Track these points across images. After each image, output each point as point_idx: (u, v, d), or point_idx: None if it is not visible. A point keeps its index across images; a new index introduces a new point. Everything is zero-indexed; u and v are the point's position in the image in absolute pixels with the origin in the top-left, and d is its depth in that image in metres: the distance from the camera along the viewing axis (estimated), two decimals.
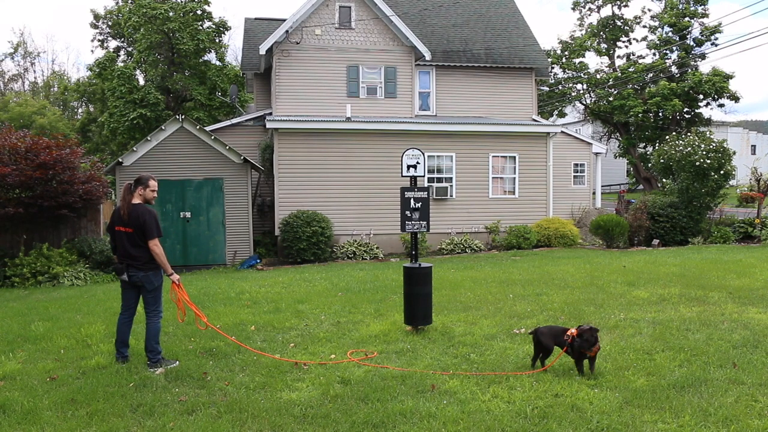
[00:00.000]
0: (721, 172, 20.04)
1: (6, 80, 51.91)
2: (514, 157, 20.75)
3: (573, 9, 44.92)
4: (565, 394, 5.64)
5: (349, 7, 21.55)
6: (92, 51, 63.90)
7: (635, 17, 43.21)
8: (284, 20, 21.51)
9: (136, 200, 6.99)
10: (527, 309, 9.37)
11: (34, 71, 54.74)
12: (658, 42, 41.25)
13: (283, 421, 5.24)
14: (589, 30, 43.19)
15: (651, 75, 40.36)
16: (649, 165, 35.66)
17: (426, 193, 8.38)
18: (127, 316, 7.19)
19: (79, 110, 48.19)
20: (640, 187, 42.67)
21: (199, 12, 33.42)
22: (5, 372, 6.89)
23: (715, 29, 39.74)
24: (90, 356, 7.33)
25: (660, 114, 39.55)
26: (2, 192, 15.26)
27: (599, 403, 5.39)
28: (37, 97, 47.71)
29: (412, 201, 8.27)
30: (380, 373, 6.40)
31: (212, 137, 18.72)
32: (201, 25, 33.59)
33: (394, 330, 8.21)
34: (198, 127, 18.94)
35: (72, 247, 16.10)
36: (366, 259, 18.59)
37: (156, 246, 6.82)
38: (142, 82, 34.60)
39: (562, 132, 24.73)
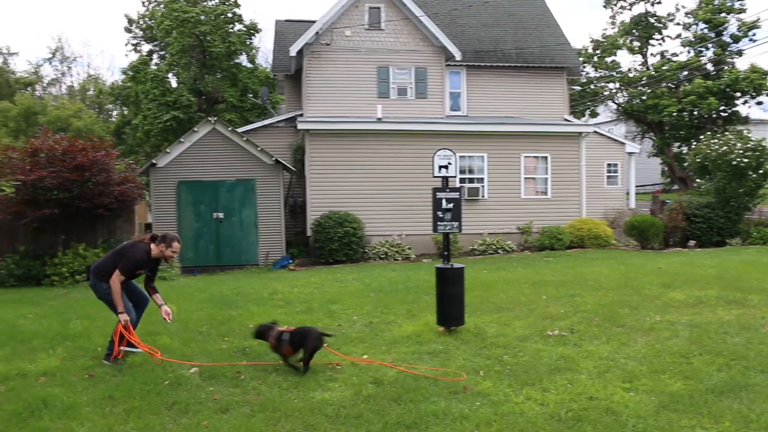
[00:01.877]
0: (760, 171, 19.66)
1: (45, 85, 52.82)
2: (546, 158, 20.58)
3: (605, 7, 44.37)
4: (600, 397, 5.56)
5: (379, 8, 21.57)
6: (126, 55, 65.13)
7: (669, 14, 42.53)
8: (314, 22, 21.59)
9: (154, 252, 7.24)
10: (561, 310, 9.29)
11: (71, 75, 55.77)
12: (692, 39, 40.61)
13: (315, 420, 5.25)
14: (621, 28, 42.63)
15: (686, 73, 39.73)
16: (685, 164, 35.17)
17: (458, 193, 8.34)
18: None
19: (114, 113, 48.85)
20: (675, 187, 42.04)
21: (229, 15, 33.73)
22: (46, 368, 7.03)
23: (753, 25, 38.97)
24: (126, 354, 7.42)
25: (695, 113, 38.88)
26: (41, 194, 15.53)
27: (635, 406, 5.30)
28: (74, 101, 48.43)
29: (444, 201, 8.23)
30: (413, 374, 6.39)
31: (244, 138, 18.87)
32: (232, 28, 33.88)
33: (427, 331, 8.19)
34: (230, 128, 19.11)
35: (108, 247, 16.30)
36: (398, 259, 18.58)
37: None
38: (174, 84, 34.96)
39: (595, 132, 24.47)
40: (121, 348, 7.08)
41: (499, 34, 25.29)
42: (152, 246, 7.22)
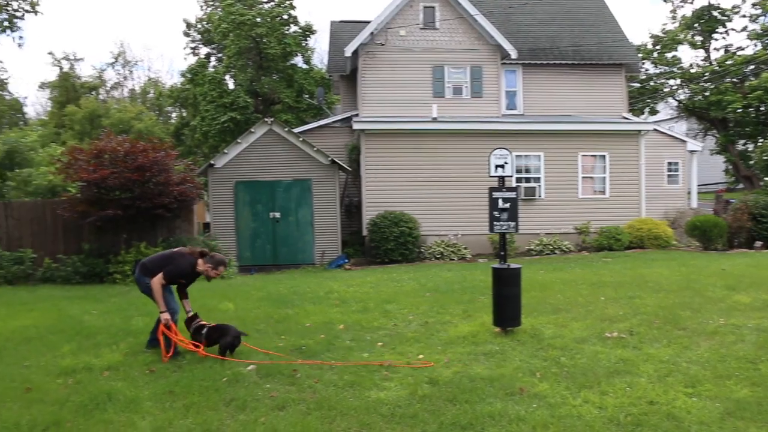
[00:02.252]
0: None
1: (108, 88, 54.26)
2: (604, 156, 20.23)
3: (665, 1, 43.40)
4: (661, 401, 5.43)
5: (433, 8, 21.52)
6: (185, 58, 66.29)
7: (733, 7, 41.25)
8: (369, 22, 21.65)
9: (199, 267, 7.61)
10: (619, 312, 9.11)
11: (132, 79, 57.03)
12: (760, 32, 39.31)
13: (371, 419, 5.27)
14: (682, 22, 41.54)
15: (752, 67, 38.51)
16: (751, 162, 34.08)
17: (514, 193, 8.26)
18: None
19: (173, 115, 49.84)
20: (740, 186, 40.77)
21: (285, 17, 34.07)
22: (110, 363, 7.24)
23: None
24: (185, 351, 7.59)
25: (762, 108, 37.69)
26: (104, 194, 15.98)
27: (698, 413, 5.15)
28: (135, 104, 49.62)
29: (500, 201, 8.16)
30: (468, 375, 6.36)
31: (300, 139, 19.05)
32: (287, 30, 34.22)
33: (483, 331, 8.13)
34: (286, 129, 19.33)
35: (167, 246, 16.66)
36: (453, 259, 18.51)
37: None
38: (231, 86, 35.50)
39: (655, 129, 23.91)
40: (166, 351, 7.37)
41: (556, 31, 24.95)
42: (199, 261, 7.61)
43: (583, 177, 20.22)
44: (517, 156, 19.44)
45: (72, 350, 7.95)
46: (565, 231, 19.86)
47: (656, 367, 6.32)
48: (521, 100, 23.67)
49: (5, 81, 46.88)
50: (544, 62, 23.62)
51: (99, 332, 8.90)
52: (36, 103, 61.60)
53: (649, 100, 41.60)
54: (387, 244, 18.20)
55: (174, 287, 7.88)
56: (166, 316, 7.35)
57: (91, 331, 9.06)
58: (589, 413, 5.22)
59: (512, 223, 8.20)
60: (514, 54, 21.71)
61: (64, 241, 17.31)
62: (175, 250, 7.96)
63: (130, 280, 15.51)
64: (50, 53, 70.22)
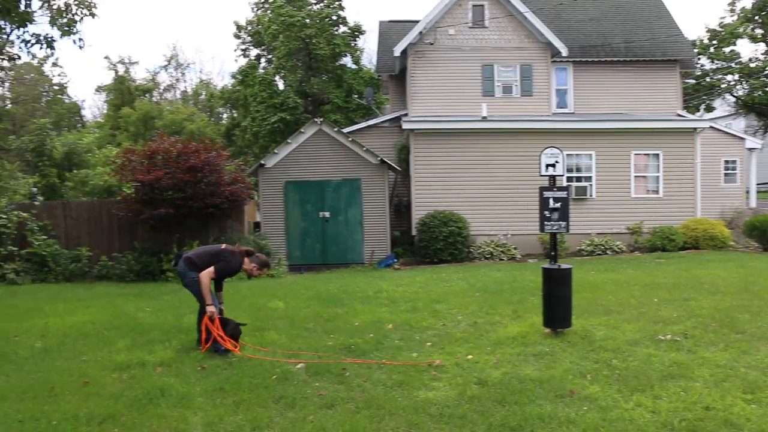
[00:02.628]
0: None
1: (161, 91, 55.37)
2: (658, 155, 19.82)
3: None
4: (717, 407, 5.27)
5: (482, 6, 21.37)
6: (235, 60, 67.30)
7: None
8: (418, 22, 21.62)
9: (245, 265, 7.86)
10: (673, 314, 8.91)
11: (185, 81, 58.19)
12: None
13: (419, 419, 5.26)
14: (741, 15, 40.44)
15: None
16: None
17: (565, 192, 8.15)
18: None
19: (224, 116, 50.56)
20: None
21: (334, 18, 34.26)
22: (163, 359, 7.38)
23: None
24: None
25: None
26: (157, 193, 16.31)
27: (758, 420, 4.98)
28: (187, 105, 50.52)
29: (551, 201, 8.06)
30: (518, 376, 6.30)
31: (349, 139, 19.13)
32: (336, 30, 34.40)
33: (532, 332, 8.05)
34: (336, 129, 19.43)
35: None
36: (503, 259, 18.38)
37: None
38: (281, 87, 35.85)
39: (711, 127, 23.32)
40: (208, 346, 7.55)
41: (607, 27, 24.53)
42: (246, 260, 7.84)
43: (636, 176, 19.84)
44: (567, 155, 19.16)
45: (127, 346, 8.14)
46: (616, 231, 19.52)
47: (712, 371, 6.16)
48: (572, 99, 23.35)
49: (65, 85, 48.30)
50: (595, 59, 23.24)
51: (152, 329, 9.09)
52: (93, 106, 63.31)
53: (705, 97, 40.59)
54: (436, 243, 18.16)
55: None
56: (212, 308, 7.50)
57: (144, 328, 9.25)
58: (641, 417, 5.12)
59: (563, 223, 8.10)
60: (564, 52, 21.43)
61: (119, 240, 17.75)
62: (222, 246, 8.04)
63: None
64: (106, 57, 72.08)
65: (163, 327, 9.19)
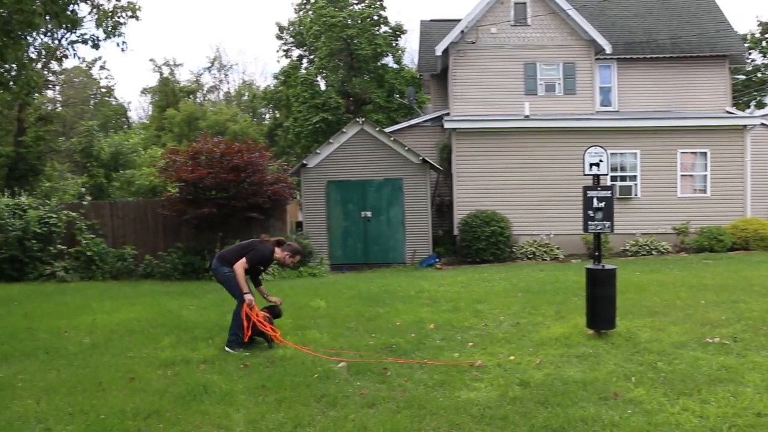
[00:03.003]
0: None
1: (204, 92, 56.12)
2: (705, 153, 19.43)
3: None
4: None
5: (524, 4, 21.18)
6: (277, 60, 67.70)
7: None
8: (459, 20, 21.52)
9: (277, 254, 7.98)
10: (722, 317, 8.70)
11: (228, 82, 58.95)
12: None
13: (460, 419, 5.22)
14: None
15: None
16: None
17: (610, 192, 8.03)
18: None
19: (267, 116, 51.02)
20: None
21: (375, 17, 34.30)
22: (206, 356, 7.46)
23: None
24: (277, 347, 7.75)
25: None
26: (201, 193, 16.53)
27: None
28: (230, 106, 51.10)
29: (594, 200, 7.96)
30: (561, 377, 6.22)
31: (391, 138, 19.16)
32: (378, 30, 34.44)
33: (576, 333, 7.94)
34: (377, 128, 19.47)
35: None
36: (546, 259, 18.21)
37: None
38: (323, 87, 36.03)
39: (762, 124, 22.73)
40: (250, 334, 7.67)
41: (652, 23, 24.08)
42: (277, 249, 7.94)
43: (682, 175, 19.47)
44: (612, 154, 18.89)
45: (171, 343, 8.26)
46: (662, 231, 19.19)
47: (764, 376, 6.00)
48: (616, 96, 22.98)
49: (112, 88, 49.29)
50: (641, 56, 22.83)
51: (196, 327, 9.21)
52: (138, 108, 64.37)
53: (756, 93, 39.59)
54: (478, 243, 18.08)
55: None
56: (249, 296, 7.59)
57: (188, 326, 9.39)
58: (688, 422, 4.99)
59: (607, 223, 7.98)
60: (608, 49, 21.10)
61: (163, 239, 18.05)
62: (251, 239, 8.27)
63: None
64: (151, 60, 73.25)
65: (206, 325, 9.31)
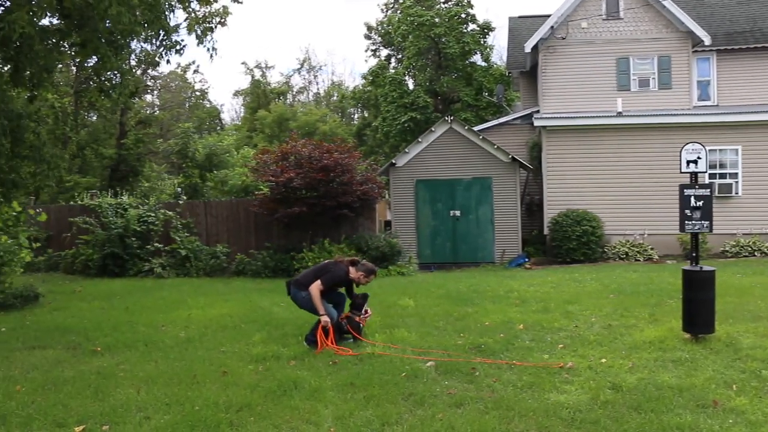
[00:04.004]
0: None
1: (294, 93, 57.16)
2: None
3: None
4: None
5: None
6: (365, 60, 68.37)
7: None
8: (548, 16, 21.12)
9: (351, 274, 8.16)
10: None
11: (317, 83, 59.67)
12: None
13: (550, 422, 5.14)
14: None
15: None
16: None
17: (708, 190, 7.73)
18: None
19: (355, 116, 51.54)
20: None
21: (463, 15, 34.11)
22: (296, 353, 7.64)
23: None
24: (364, 345, 7.83)
25: None
26: (291, 193, 16.86)
27: None
28: (319, 106, 51.89)
29: (692, 199, 7.68)
30: (655, 382, 6.02)
31: (480, 137, 19.01)
32: (465, 28, 34.24)
33: (671, 337, 7.67)
34: (466, 127, 19.37)
35: (351, 243, 17.27)
36: (639, 260, 17.68)
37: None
38: (411, 86, 36.12)
39: None
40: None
41: (756, 10, 22.89)
42: (351, 269, 8.12)
43: None
44: (710, 150, 18.13)
45: (262, 339, 8.48)
46: (766, 232, 18.28)
47: None
48: (715, 90, 22.00)
49: (205, 91, 50.88)
50: (743, 47, 21.75)
51: (286, 324, 9.40)
52: (230, 110, 66.38)
53: None
54: (569, 243, 17.74)
55: (343, 289, 8.41)
56: (325, 318, 7.78)
57: (279, 322, 9.61)
58: None
59: (705, 223, 7.68)
60: (707, 40, 20.22)
61: (255, 237, 18.53)
62: (326, 261, 8.54)
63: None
64: (243, 63, 75.28)
65: (296, 322, 9.48)
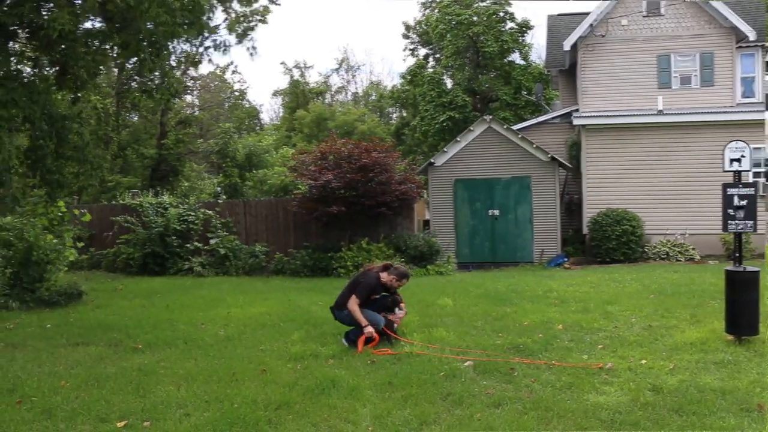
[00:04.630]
0: None
1: (333, 93, 57.40)
2: None
3: None
4: None
5: None
6: (404, 60, 68.25)
7: None
8: (587, 14, 20.93)
9: (384, 278, 8.29)
10: None
11: (355, 83, 59.75)
12: None
13: (589, 423, 5.11)
14: None
15: None
16: None
17: (752, 189, 7.61)
18: None
19: (393, 115, 51.51)
20: None
21: (501, 14, 33.90)
22: (334, 352, 7.71)
23: None
24: (401, 344, 7.86)
25: None
26: (329, 192, 16.95)
27: None
28: (358, 106, 52.01)
29: (735, 198, 7.56)
30: (696, 384, 5.95)
31: (519, 136, 18.92)
32: (504, 27, 34.02)
33: (713, 338, 7.56)
34: (505, 126, 19.30)
35: (389, 243, 17.32)
36: (680, 260, 17.42)
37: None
38: (449, 85, 36.01)
39: None
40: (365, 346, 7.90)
41: None
42: (383, 274, 8.23)
43: None
44: (755, 148, 17.76)
45: (301, 338, 8.56)
46: None
47: None
48: (760, 87, 21.53)
49: (244, 91, 51.40)
50: None
51: (324, 323, 9.46)
52: (269, 110, 66.98)
53: None
54: (608, 243, 17.56)
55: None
56: (369, 329, 7.85)
57: (317, 321, 9.68)
58: None
59: (749, 222, 7.56)
60: (752, 36, 19.81)
61: (293, 237, 18.68)
62: (356, 275, 8.78)
63: (353, 274, 16.34)
64: (282, 63, 75.82)
65: (334, 321, 9.48)
